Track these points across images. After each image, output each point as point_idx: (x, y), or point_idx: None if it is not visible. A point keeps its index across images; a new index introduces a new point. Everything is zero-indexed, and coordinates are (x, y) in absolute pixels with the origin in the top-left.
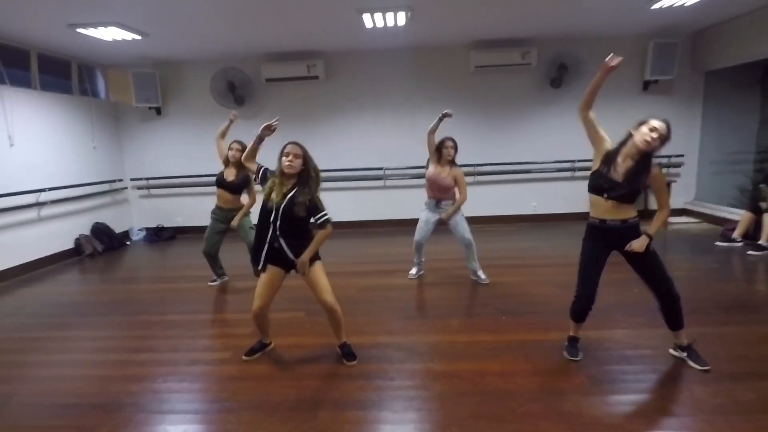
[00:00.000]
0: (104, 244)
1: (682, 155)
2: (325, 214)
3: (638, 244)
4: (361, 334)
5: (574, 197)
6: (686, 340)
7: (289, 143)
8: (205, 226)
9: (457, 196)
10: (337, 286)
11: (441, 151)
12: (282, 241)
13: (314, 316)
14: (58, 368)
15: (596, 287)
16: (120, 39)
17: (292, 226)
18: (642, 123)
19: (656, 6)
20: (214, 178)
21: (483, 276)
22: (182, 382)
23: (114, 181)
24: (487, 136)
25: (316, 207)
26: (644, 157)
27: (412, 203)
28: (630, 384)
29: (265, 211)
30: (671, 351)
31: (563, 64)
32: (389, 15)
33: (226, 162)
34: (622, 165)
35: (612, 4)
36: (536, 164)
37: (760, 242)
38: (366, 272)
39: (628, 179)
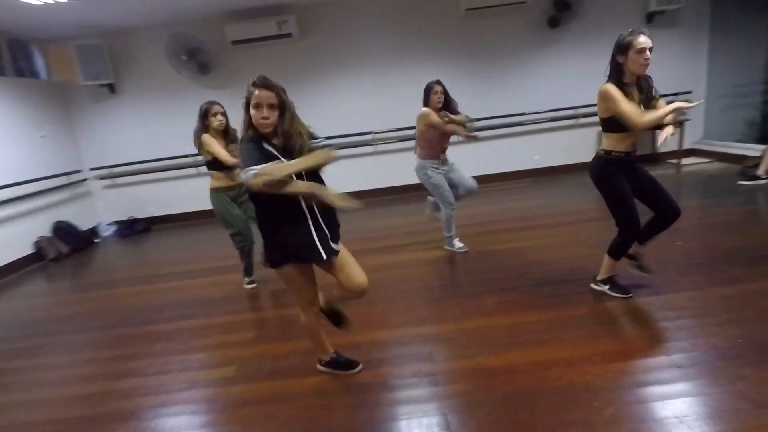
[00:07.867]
0: (69, 245)
1: (689, 92)
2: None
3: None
4: (386, 327)
5: (578, 146)
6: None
7: (254, 86)
8: (182, 213)
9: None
10: None
11: (429, 98)
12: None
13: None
14: (25, 411)
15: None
16: (51, 0)
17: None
18: (626, 48)
19: None
20: (184, 160)
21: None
22: (178, 414)
23: (71, 173)
24: (482, 88)
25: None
26: (644, 81)
27: (405, 168)
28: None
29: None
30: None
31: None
32: None
33: (218, 136)
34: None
35: None
36: (536, 114)
37: None
38: (371, 250)
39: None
